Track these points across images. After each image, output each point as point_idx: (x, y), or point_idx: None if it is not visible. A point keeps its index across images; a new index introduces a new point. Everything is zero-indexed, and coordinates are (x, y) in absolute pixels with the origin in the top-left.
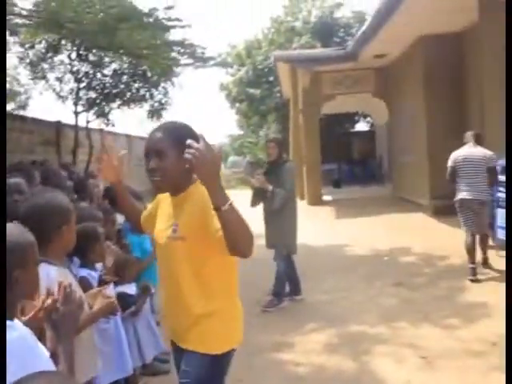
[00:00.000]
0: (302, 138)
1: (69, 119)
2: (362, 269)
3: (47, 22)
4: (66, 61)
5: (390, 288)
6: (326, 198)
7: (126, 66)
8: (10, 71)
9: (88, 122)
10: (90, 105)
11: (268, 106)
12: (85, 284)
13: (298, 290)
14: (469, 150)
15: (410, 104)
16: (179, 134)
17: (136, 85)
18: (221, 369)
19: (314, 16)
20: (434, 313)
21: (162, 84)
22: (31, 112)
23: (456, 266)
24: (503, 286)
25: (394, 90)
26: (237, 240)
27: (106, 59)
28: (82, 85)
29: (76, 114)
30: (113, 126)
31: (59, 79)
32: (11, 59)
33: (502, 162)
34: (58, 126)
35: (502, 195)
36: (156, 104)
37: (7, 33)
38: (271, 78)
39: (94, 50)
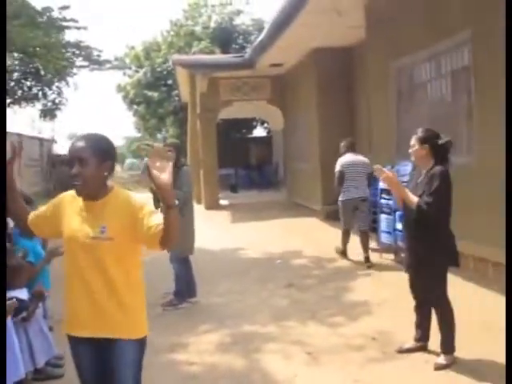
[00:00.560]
0: (200, 143)
1: None
2: (255, 272)
3: None
4: None
5: (282, 290)
6: (223, 202)
7: (17, 62)
8: None
9: None
10: None
11: (166, 109)
12: None
13: (193, 292)
14: (353, 157)
15: (303, 112)
16: (100, 145)
17: (28, 83)
18: (145, 349)
19: (214, 22)
20: (321, 312)
21: (56, 83)
22: None
23: (343, 267)
24: (384, 285)
25: (289, 98)
26: (174, 233)
27: None
28: None
29: None
30: None
31: None
32: None
33: (386, 169)
34: None
35: (384, 202)
36: (49, 103)
37: None
38: (170, 81)
39: None
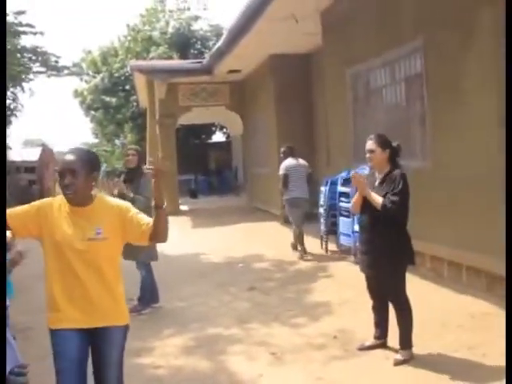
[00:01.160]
0: (159, 148)
1: None
2: (217, 276)
3: None
4: None
5: (244, 293)
6: (183, 207)
7: None
8: None
9: None
10: None
11: (124, 114)
12: None
13: (156, 298)
14: (294, 161)
15: (262, 118)
16: (88, 158)
17: None
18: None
19: (172, 27)
20: (284, 313)
21: (11, 89)
22: None
23: (304, 270)
24: (344, 286)
25: (248, 104)
26: (165, 229)
27: None
28: None
29: None
30: None
31: None
32: None
33: (344, 174)
34: None
35: (343, 205)
36: None
37: None
38: (128, 87)
39: None
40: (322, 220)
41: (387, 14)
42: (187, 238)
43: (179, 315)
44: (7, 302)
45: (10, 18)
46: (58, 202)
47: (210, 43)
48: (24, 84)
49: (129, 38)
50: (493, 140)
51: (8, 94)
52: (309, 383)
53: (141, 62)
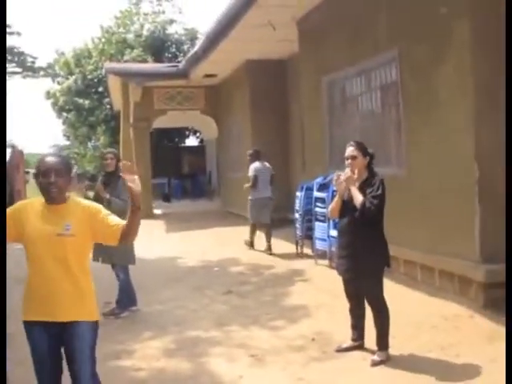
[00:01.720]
0: (133, 152)
1: None
2: (194, 279)
3: None
4: None
5: (222, 296)
6: (157, 211)
7: None
8: None
9: None
10: None
11: (97, 117)
12: None
13: (133, 300)
14: (262, 164)
15: (237, 122)
16: (67, 161)
17: None
18: (98, 332)
19: (147, 30)
20: (262, 316)
21: None
22: None
23: (280, 274)
24: (320, 289)
25: (223, 108)
26: (136, 230)
27: None
28: None
29: None
30: None
31: None
32: None
33: (319, 180)
34: None
35: (319, 210)
36: None
37: None
38: (101, 89)
39: None
40: (297, 225)
41: (363, 25)
42: (162, 242)
43: (158, 318)
44: None
45: None
46: (31, 202)
47: (185, 47)
48: None
49: (103, 39)
50: (466, 148)
51: None
52: None
53: (116, 65)
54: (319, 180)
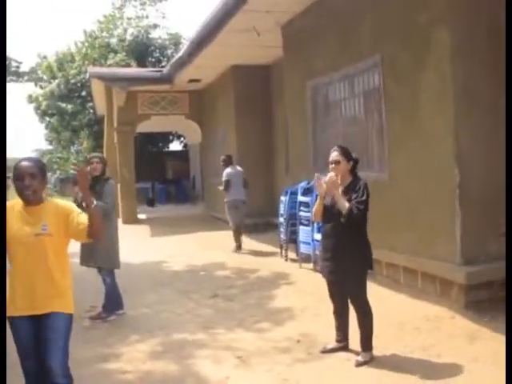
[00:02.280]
0: (117, 156)
1: None
2: (179, 283)
3: None
4: None
5: (207, 300)
6: (141, 216)
7: None
8: None
9: None
10: None
11: (80, 121)
12: None
13: (120, 304)
14: (234, 168)
15: (222, 127)
16: (41, 164)
17: None
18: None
19: (130, 34)
20: (248, 319)
21: None
22: None
23: (265, 277)
24: (304, 292)
25: (207, 113)
26: (98, 227)
27: None
28: None
29: None
30: None
31: None
32: None
33: (303, 184)
34: None
35: (303, 214)
36: None
37: None
38: (84, 93)
39: None
40: (281, 229)
41: (347, 31)
42: (147, 247)
43: (144, 322)
44: None
45: None
46: (12, 205)
47: (169, 52)
48: None
49: (86, 44)
50: (447, 152)
51: None
52: None
53: (100, 69)
54: (303, 184)
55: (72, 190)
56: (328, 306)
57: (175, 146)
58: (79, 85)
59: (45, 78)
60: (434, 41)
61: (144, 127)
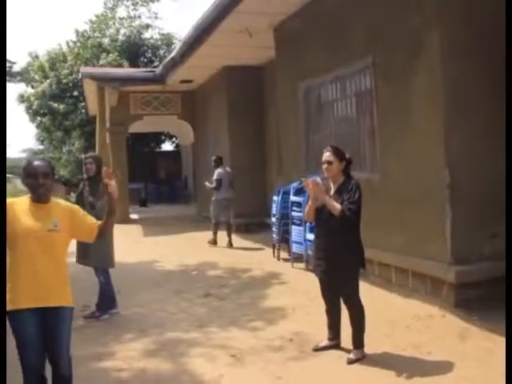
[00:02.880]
0: (109, 156)
1: None
2: (172, 283)
3: None
4: None
5: (200, 299)
6: (133, 216)
7: None
8: None
9: None
10: None
11: (72, 121)
12: None
13: (113, 304)
14: (223, 169)
15: (214, 128)
16: (51, 165)
17: None
18: None
19: (122, 35)
20: (241, 318)
21: None
22: None
23: (257, 277)
24: (296, 291)
25: (200, 114)
26: (111, 230)
27: None
28: None
29: None
30: None
31: None
32: None
33: (296, 184)
34: None
35: (295, 214)
36: None
37: None
38: (76, 93)
39: None
40: (274, 229)
41: (339, 32)
42: (140, 247)
43: (138, 321)
44: None
45: None
46: (15, 202)
47: (161, 52)
48: None
49: (78, 44)
50: (437, 154)
51: None
52: (268, 382)
53: (93, 69)
54: (296, 184)
55: (61, 190)
56: (320, 305)
57: (167, 146)
58: (71, 85)
59: (36, 77)
60: (425, 43)
61: (136, 127)
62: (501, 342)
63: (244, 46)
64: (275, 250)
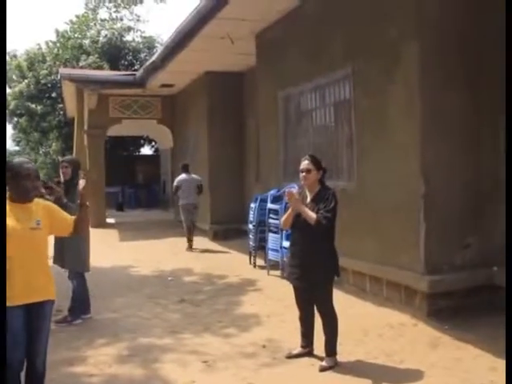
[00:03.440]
0: (87, 159)
1: None
2: (147, 288)
3: None
4: None
5: (175, 305)
6: (110, 220)
7: None
8: None
9: None
10: None
11: (50, 123)
12: None
13: (87, 309)
14: (186, 176)
15: (194, 133)
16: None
17: None
18: None
19: (103, 36)
20: (214, 324)
21: None
22: None
23: (233, 283)
24: (271, 299)
25: (179, 119)
26: (85, 224)
27: None
28: None
29: None
30: None
31: None
32: None
33: (273, 192)
34: None
35: (272, 221)
36: None
37: None
38: (54, 95)
39: None
40: (250, 236)
41: (319, 42)
42: (115, 251)
43: (111, 326)
44: None
45: None
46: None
47: (142, 55)
48: None
49: (58, 44)
50: (413, 164)
51: None
52: None
53: (72, 71)
54: (273, 192)
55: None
56: (294, 312)
57: (146, 150)
58: (50, 86)
59: (14, 77)
60: (403, 55)
61: (115, 131)
62: (470, 350)
63: (225, 52)
64: (251, 257)
